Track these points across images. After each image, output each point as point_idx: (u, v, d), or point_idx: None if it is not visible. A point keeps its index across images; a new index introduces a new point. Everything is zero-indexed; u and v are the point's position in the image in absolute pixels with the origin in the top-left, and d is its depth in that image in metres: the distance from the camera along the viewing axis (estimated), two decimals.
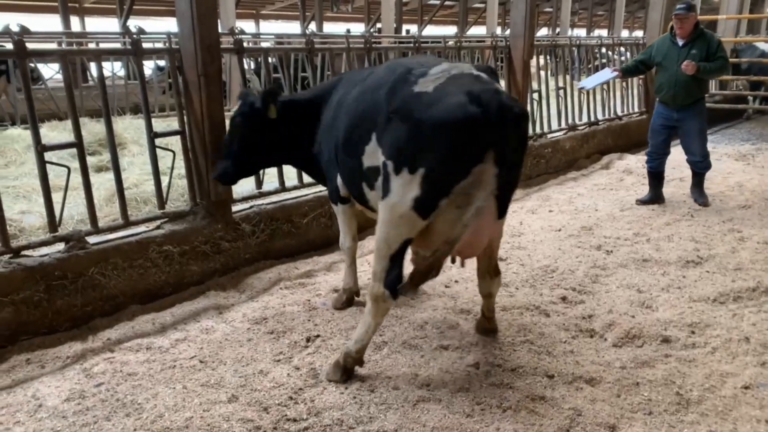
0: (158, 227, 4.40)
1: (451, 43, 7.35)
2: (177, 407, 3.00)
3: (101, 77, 4.37)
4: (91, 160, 5.84)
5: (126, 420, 2.93)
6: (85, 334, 3.81)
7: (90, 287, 3.90)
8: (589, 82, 6.83)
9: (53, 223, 3.88)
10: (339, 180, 3.72)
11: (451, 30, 27.86)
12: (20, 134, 7.89)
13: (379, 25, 19.20)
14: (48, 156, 3.80)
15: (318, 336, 3.70)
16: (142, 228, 4.36)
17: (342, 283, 4.26)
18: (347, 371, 3.25)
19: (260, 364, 3.43)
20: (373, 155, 3.20)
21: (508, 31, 8.82)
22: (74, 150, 4.08)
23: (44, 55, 6.77)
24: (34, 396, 3.15)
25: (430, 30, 24.46)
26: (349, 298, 4.18)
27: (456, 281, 4.59)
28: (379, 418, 2.91)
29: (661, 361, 3.40)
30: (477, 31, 25.02)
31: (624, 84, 10.13)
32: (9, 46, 3.84)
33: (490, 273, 3.52)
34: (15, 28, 3.96)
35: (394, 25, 17.33)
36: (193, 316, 4.09)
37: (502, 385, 3.17)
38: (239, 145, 3.96)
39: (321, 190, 5.37)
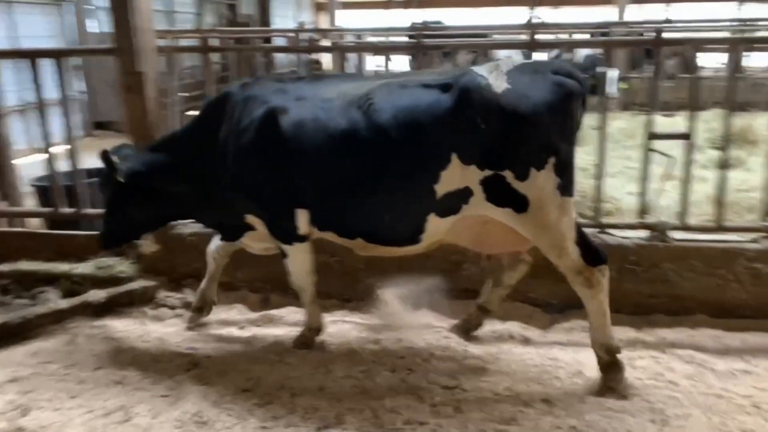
0: (754, 240, 3.86)
1: None
2: None
3: None
4: (714, 155, 5.57)
5: (648, 425, 2.82)
6: (640, 323, 3.79)
7: (660, 281, 3.83)
8: None
9: (643, 209, 3.95)
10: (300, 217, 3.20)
11: None
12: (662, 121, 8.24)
13: None
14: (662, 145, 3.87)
15: None
16: (734, 236, 3.92)
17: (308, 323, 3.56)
18: (616, 361, 3.11)
19: None
20: (456, 178, 2.97)
21: None
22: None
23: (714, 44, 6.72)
24: (571, 360, 3.39)
25: None
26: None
27: None
28: None
29: None
30: None
31: None
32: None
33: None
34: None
35: None
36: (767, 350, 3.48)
37: None
38: (112, 209, 3.62)
39: None
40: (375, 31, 11.93)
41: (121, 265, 4.38)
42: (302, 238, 3.29)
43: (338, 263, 4.03)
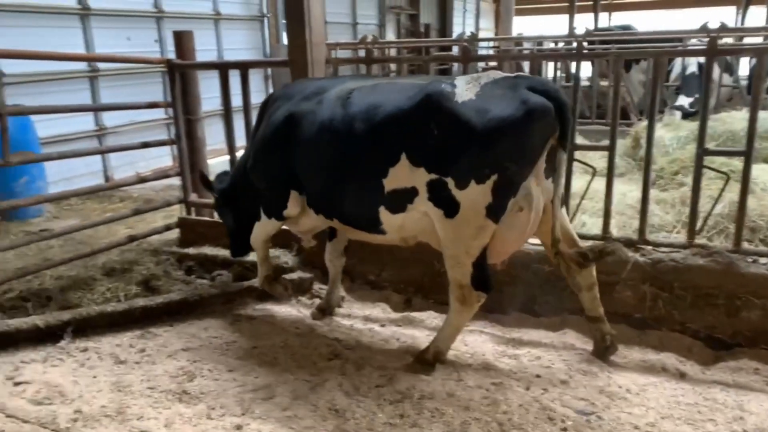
0: None
1: None
2: None
3: None
4: None
5: None
6: None
7: None
8: None
9: None
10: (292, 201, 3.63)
11: None
12: None
13: None
14: None
15: None
16: None
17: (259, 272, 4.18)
18: (432, 365, 3.36)
19: None
20: (402, 177, 3.09)
21: None
22: None
23: None
24: (733, 404, 3.01)
25: None
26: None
27: None
28: None
29: None
30: None
31: None
32: None
33: (582, 258, 3.19)
34: None
35: None
36: None
37: None
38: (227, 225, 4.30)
39: None
40: (553, 38, 11.57)
41: (284, 257, 4.80)
42: (281, 217, 3.74)
43: None
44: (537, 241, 4.05)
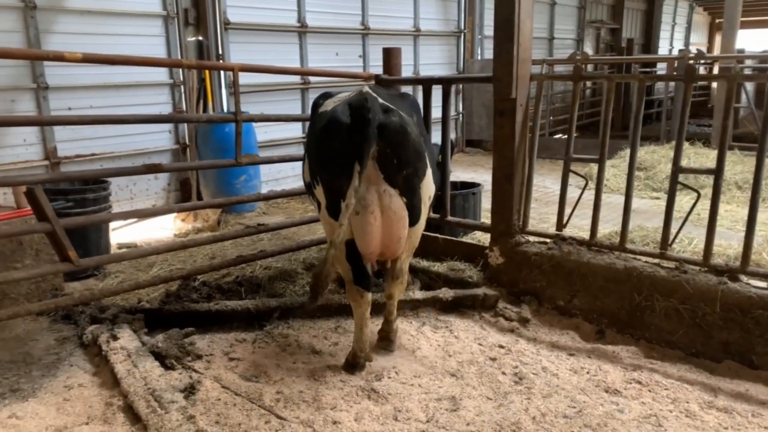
0: None
1: None
2: None
3: None
4: None
5: None
6: None
7: None
8: None
9: None
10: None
11: None
12: None
13: None
14: None
15: None
16: None
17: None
18: (352, 365, 3.57)
19: None
20: (307, 171, 3.57)
21: None
22: None
23: None
24: None
25: None
26: None
27: None
28: None
29: None
30: None
31: None
32: None
33: (393, 276, 3.65)
34: None
35: None
36: None
37: None
38: None
39: None
40: None
41: (469, 270, 4.83)
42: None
43: (689, 311, 3.65)
44: (763, 284, 3.61)
